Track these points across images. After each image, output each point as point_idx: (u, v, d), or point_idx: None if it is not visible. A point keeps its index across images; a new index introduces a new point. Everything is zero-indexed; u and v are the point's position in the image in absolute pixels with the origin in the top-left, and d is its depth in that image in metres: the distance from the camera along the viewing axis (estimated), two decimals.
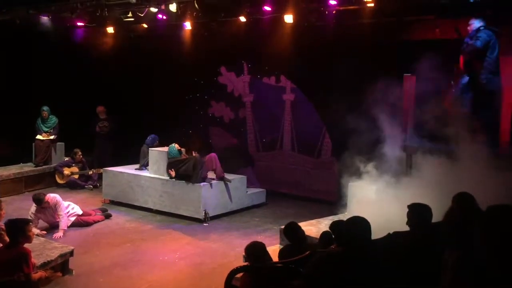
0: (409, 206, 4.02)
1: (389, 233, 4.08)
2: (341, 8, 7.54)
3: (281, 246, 5.94)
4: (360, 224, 3.56)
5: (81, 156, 10.89)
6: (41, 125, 11.09)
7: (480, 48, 6.15)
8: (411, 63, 6.63)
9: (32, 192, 9.09)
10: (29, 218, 7.03)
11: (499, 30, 6.25)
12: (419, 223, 3.95)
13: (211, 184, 8.65)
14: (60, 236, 7.45)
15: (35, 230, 6.82)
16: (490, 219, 1.97)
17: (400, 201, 5.63)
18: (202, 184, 8.52)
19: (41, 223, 7.77)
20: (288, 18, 8.07)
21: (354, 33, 8.12)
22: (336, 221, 5.08)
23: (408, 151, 6.69)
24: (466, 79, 6.41)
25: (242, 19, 8.54)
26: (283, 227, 6.98)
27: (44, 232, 7.54)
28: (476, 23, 6.32)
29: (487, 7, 6.31)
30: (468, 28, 6.42)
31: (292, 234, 5.04)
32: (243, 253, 4.69)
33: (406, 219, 3.97)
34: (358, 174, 6.90)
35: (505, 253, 1.89)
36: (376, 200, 6.31)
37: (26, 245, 4.76)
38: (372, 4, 6.95)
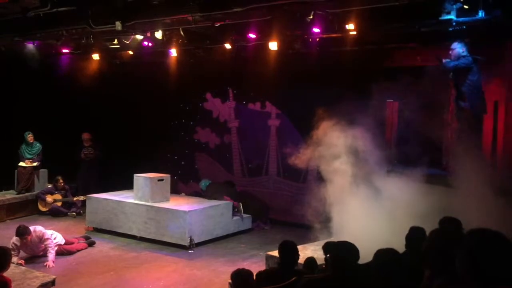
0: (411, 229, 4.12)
1: None
2: (325, 36, 7.67)
3: None
4: (346, 250, 3.56)
5: (62, 183, 10.74)
6: (25, 151, 10.91)
7: (462, 67, 6.34)
8: (394, 89, 6.77)
9: (14, 220, 8.92)
10: (10, 247, 6.86)
11: (480, 57, 6.44)
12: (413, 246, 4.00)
13: (196, 210, 8.59)
14: (51, 266, 7.31)
15: (14, 259, 6.65)
16: (468, 243, 1.99)
17: (385, 225, 5.64)
18: (187, 210, 8.45)
19: (22, 253, 7.58)
20: (273, 45, 8.19)
21: (338, 60, 8.28)
22: (329, 242, 5.03)
23: (393, 175, 6.76)
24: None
25: (227, 46, 8.64)
26: (269, 253, 6.96)
27: (23, 261, 7.35)
28: (458, 49, 6.49)
29: (466, 35, 6.49)
30: (450, 52, 6.59)
31: (288, 254, 4.52)
32: (229, 281, 4.64)
33: (391, 243, 3.98)
34: (344, 198, 6.92)
35: (484, 277, 1.90)
36: (361, 224, 6.32)
37: (6, 274, 4.64)
38: (355, 32, 7.09)
